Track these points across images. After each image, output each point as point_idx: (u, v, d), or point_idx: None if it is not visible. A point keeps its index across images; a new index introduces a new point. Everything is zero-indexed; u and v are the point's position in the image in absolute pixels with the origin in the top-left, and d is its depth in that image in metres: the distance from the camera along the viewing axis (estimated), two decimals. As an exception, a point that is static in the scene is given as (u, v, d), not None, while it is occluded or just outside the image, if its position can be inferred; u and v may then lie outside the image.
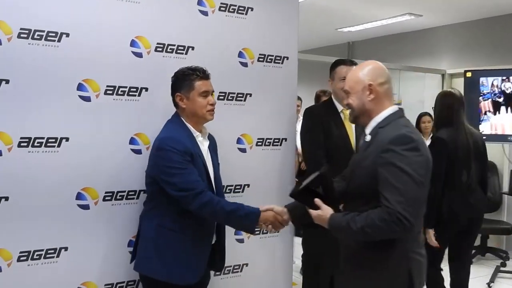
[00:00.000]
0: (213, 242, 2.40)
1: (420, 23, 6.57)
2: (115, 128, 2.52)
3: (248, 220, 2.20)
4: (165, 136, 2.25)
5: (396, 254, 1.89)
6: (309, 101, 4.69)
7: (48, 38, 2.36)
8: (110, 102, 2.51)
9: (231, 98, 2.88)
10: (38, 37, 2.34)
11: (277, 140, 3.06)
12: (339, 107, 2.98)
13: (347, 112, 2.77)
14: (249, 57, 2.93)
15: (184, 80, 2.29)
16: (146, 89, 2.60)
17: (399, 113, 1.99)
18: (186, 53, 2.70)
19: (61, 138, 2.39)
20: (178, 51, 2.68)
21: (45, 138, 2.36)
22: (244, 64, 2.93)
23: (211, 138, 2.46)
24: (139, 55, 2.58)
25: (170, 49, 2.67)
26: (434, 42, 6.84)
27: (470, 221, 3.26)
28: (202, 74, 2.29)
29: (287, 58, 3.04)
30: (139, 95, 2.58)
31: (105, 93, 2.49)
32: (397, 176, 1.78)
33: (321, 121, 2.92)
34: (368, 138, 1.96)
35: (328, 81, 3.05)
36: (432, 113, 5.01)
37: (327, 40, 7.74)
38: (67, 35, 2.39)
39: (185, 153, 2.19)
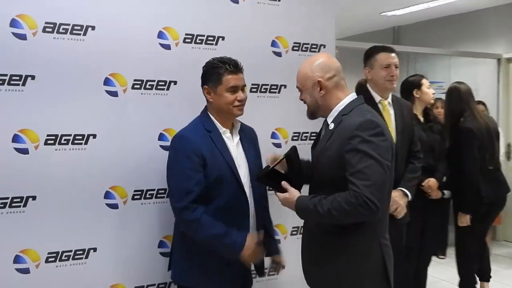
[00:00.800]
0: None
1: (472, 4, 6.34)
2: (144, 124, 2.54)
3: (230, 253, 2.20)
4: (177, 134, 2.28)
5: (367, 239, 1.99)
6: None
7: (74, 31, 2.40)
8: (138, 97, 2.54)
9: (264, 90, 2.87)
10: (64, 31, 2.38)
11: (315, 135, 2.90)
12: (377, 98, 2.96)
13: (386, 102, 2.94)
14: (283, 46, 2.90)
15: (212, 73, 2.26)
16: (175, 83, 2.62)
17: (360, 100, 2.09)
18: (216, 44, 2.71)
19: (88, 135, 2.43)
20: (208, 42, 2.69)
21: (72, 135, 2.41)
22: (278, 54, 2.91)
23: (247, 130, 2.43)
24: (167, 47, 2.60)
25: (199, 39, 2.68)
26: (488, 24, 6.60)
27: (500, 199, 3.81)
28: (232, 68, 2.25)
29: (324, 46, 3.01)
30: (167, 88, 2.60)
31: (133, 88, 2.52)
32: (364, 161, 1.86)
33: None
34: (331, 126, 2.03)
35: (364, 69, 3.00)
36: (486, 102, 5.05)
37: (370, 25, 7.56)
38: (93, 28, 2.43)
39: (193, 153, 2.17)
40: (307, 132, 3.01)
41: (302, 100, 2.13)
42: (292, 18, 2.89)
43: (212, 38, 2.70)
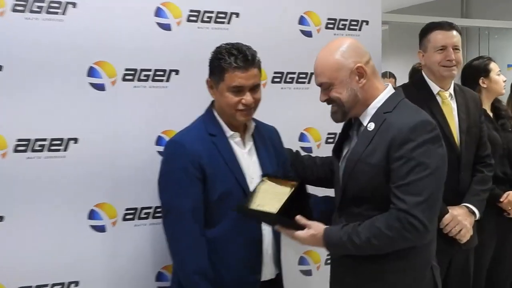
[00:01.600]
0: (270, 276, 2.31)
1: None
2: (138, 125, 2.48)
3: None
4: (171, 139, 2.25)
5: (420, 264, 1.99)
6: (405, 79, 4.45)
7: (50, 9, 2.32)
8: (130, 91, 2.47)
9: (290, 80, 2.77)
10: (38, 9, 2.30)
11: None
12: (435, 88, 2.86)
13: (446, 94, 2.86)
14: (314, 24, 2.80)
15: (216, 65, 2.16)
16: (177, 72, 2.55)
17: (401, 94, 2.07)
18: (228, 22, 2.62)
19: (68, 140, 2.37)
20: (218, 20, 2.60)
21: (48, 140, 2.35)
22: (308, 33, 2.80)
23: (266, 132, 2.35)
24: (166, 27, 2.52)
25: (207, 17, 2.59)
26: None
27: None
28: (239, 62, 2.11)
29: (367, 22, 2.89)
30: (167, 80, 2.54)
31: (124, 79, 2.45)
32: (417, 172, 1.84)
33: None
34: (371, 126, 1.98)
35: (418, 53, 2.90)
36: None
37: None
38: (74, 4, 2.36)
39: (191, 163, 2.11)
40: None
41: (329, 99, 2.04)
42: (326, -13, 2.82)
43: (223, 15, 2.61)
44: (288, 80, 2.76)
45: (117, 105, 2.44)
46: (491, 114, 3.40)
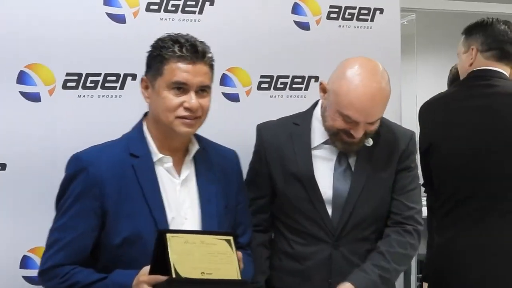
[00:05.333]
0: None
1: None
2: (83, 144, 2.02)
3: None
4: (77, 154, 1.89)
5: None
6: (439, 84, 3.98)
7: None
8: (73, 101, 2.26)
9: (281, 87, 2.51)
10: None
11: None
12: None
13: None
14: (312, 13, 2.52)
15: (153, 55, 1.85)
16: (133, 77, 2.30)
17: None
18: (200, 12, 2.36)
19: None
20: (187, 10, 2.35)
21: None
22: (304, 26, 2.53)
23: (217, 158, 2.01)
24: (119, 19, 2.29)
25: (173, 5, 2.34)
26: None
27: None
28: (186, 52, 1.80)
29: (381, 10, 2.61)
30: (121, 87, 2.32)
31: (65, 87, 2.24)
32: (415, 182, 2.09)
33: None
34: (370, 141, 2.07)
35: (460, 54, 2.55)
36: None
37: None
38: None
39: (90, 191, 1.80)
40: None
41: (369, 134, 2.00)
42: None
43: (193, 3, 2.36)
44: (279, 86, 2.51)
45: (56, 119, 2.17)
46: None
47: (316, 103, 2.13)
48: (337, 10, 2.55)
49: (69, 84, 2.23)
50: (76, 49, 2.22)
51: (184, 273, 1.56)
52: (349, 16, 2.57)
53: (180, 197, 1.89)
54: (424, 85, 4.38)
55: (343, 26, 2.55)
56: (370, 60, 2.02)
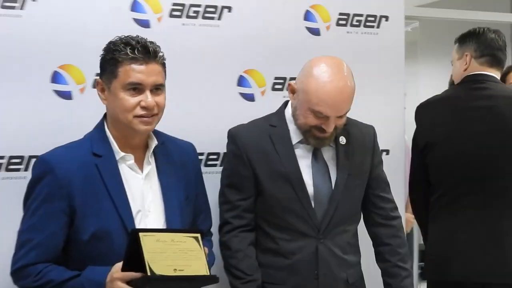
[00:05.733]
0: None
1: None
2: None
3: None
4: (42, 156, 1.89)
5: None
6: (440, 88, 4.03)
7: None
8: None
9: None
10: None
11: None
12: None
13: None
14: (323, 20, 2.59)
15: (106, 59, 1.85)
16: None
17: None
18: (219, 18, 2.42)
19: (30, 157, 2.15)
20: (206, 15, 2.41)
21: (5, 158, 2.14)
22: (315, 31, 2.60)
23: (176, 151, 2.03)
24: (144, 23, 2.33)
25: (194, 12, 2.39)
26: None
27: None
28: (137, 53, 1.81)
29: (387, 18, 2.67)
30: None
31: (94, 86, 2.23)
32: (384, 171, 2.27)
33: None
34: (343, 140, 2.12)
35: (455, 61, 2.64)
36: None
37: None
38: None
39: (57, 191, 1.80)
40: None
41: (339, 127, 2.06)
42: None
43: (212, 10, 2.41)
44: (292, 88, 2.58)
45: (86, 115, 2.16)
46: None
47: (285, 105, 2.16)
48: (345, 17, 2.61)
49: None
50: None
51: (158, 271, 1.60)
52: (357, 23, 2.63)
53: (144, 192, 1.90)
54: (426, 88, 4.43)
55: (351, 32, 2.62)
56: (334, 58, 2.05)
